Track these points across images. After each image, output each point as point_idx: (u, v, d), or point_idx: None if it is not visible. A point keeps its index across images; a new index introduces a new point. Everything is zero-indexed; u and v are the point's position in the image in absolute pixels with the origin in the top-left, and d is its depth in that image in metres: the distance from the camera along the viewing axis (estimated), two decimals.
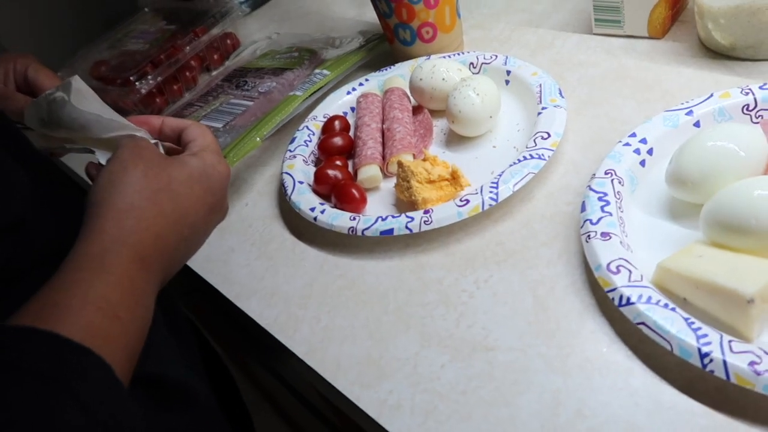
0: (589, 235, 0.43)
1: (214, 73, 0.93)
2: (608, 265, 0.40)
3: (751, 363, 0.33)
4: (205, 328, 0.71)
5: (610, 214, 0.44)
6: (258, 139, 0.65)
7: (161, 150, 0.44)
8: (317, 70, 0.76)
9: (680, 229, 0.44)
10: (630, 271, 0.40)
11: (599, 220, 0.44)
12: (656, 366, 0.37)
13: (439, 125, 0.65)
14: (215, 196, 0.42)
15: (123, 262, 0.35)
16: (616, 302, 0.39)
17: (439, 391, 0.41)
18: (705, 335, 0.35)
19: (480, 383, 0.40)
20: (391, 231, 0.51)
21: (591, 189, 0.46)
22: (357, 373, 0.44)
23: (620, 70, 0.61)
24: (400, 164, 0.55)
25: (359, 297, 0.50)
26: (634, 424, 0.35)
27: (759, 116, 0.48)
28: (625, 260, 0.41)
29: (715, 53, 0.59)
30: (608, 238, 0.42)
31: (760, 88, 0.49)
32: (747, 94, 0.49)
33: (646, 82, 0.59)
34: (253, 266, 0.57)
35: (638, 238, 0.44)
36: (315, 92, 0.72)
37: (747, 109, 0.49)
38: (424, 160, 0.55)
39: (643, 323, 0.37)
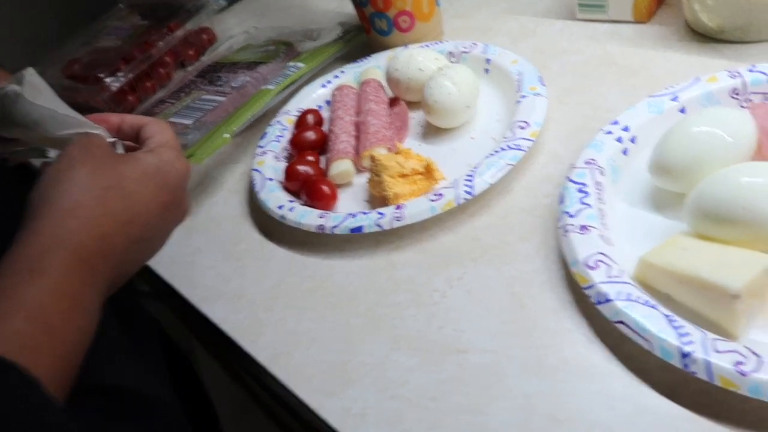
0: (566, 229, 0.41)
1: (189, 69, 0.91)
2: (585, 260, 0.38)
3: (737, 363, 0.31)
4: (181, 330, 0.69)
5: (590, 206, 0.42)
6: (227, 135, 0.63)
7: (120, 149, 0.42)
8: (291, 63, 0.74)
9: (665, 221, 0.42)
10: (609, 267, 0.38)
11: (578, 212, 0.42)
12: (636, 367, 0.35)
13: (416, 117, 0.63)
14: (172, 195, 0.40)
15: (62, 264, 0.33)
16: (594, 300, 0.37)
17: (408, 397, 0.39)
18: (687, 334, 0.33)
19: (451, 388, 0.38)
20: (360, 228, 0.49)
21: (570, 180, 0.44)
22: (322, 380, 0.42)
23: (604, 57, 0.59)
24: (372, 158, 0.53)
25: (327, 299, 0.48)
26: (611, 429, 0.33)
27: (748, 100, 0.47)
28: (604, 255, 0.39)
29: (703, 36, 0.57)
30: (587, 231, 0.40)
31: (749, 70, 0.47)
32: (735, 77, 0.47)
33: (631, 68, 0.57)
34: (220, 268, 0.55)
35: (620, 230, 0.42)
36: (288, 86, 0.70)
37: (735, 93, 0.47)
38: (398, 153, 0.53)
39: (621, 322, 0.35)
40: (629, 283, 0.36)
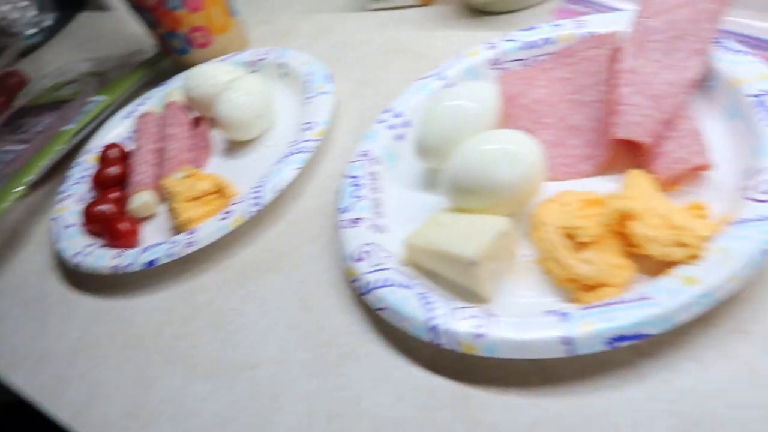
0: (340, 224, 0.43)
1: None
2: (352, 253, 0.40)
3: (475, 327, 0.33)
4: None
5: (361, 198, 0.44)
6: (21, 187, 0.62)
7: None
8: (94, 97, 0.73)
9: (438, 200, 0.45)
10: (374, 256, 0.40)
11: (350, 206, 0.44)
12: (405, 349, 0.37)
13: (220, 134, 0.63)
14: None
15: None
16: (360, 291, 0.39)
17: (203, 426, 0.39)
18: (434, 309, 0.35)
19: (243, 407, 0.39)
20: (154, 262, 0.49)
21: (345, 175, 0.46)
22: (122, 428, 0.42)
23: (392, 44, 0.62)
24: (162, 187, 0.53)
25: (129, 341, 0.48)
26: (381, 414, 0.35)
27: (507, 69, 0.50)
28: (372, 244, 0.41)
29: (477, 11, 0.60)
30: (357, 224, 0.42)
31: (504, 40, 0.50)
32: (492, 48, 0.50)
33: (416, 52, 0.60)
34: (25, 330, 0.53)
35: (398, 216, 0.44)
36: (91, 122, 0.69)
37: (494, 64, 0.50)
38: (189, 176, 0.54)
39: (382, 308, 0.37)
40: (391, 269, 0.39)
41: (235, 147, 0.61)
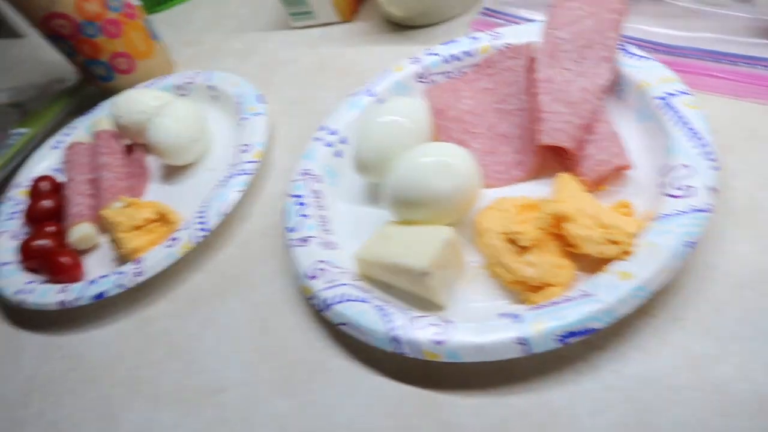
0: (289, 244, 0.43)
1: None
2: (306, 271, 0.40)
3: (434, 335, 0.34)
4: None
5: (307, 216, 0.44)
6: None
7: None
8: (15, 130, 0.68)
9: (382, 213, 0.45)
10: (328, 272, 0.40)
11: (297, 225, 0.43)
12: (369, 360, 0.37)
13: (157, 160, 0.61)
14: None
15: None
16: (318, 308, 0.38)
17: None
18: (393, 320, 0.35)
19: (213, 431, 0.38)
20: (102, 294, 0.47)
21: (288, 194, 0.46)
22: None
23: (318, 61, 0.62)
24: (101, 217, 0.51)
25: (85, 375, 0.45)
26: (357, 428, 0.35)
27: (433, 82, 0.51)
28: (324, 261, 0.40)
29: (398, 26, 0.61)
30: (306, 242, 0.42)
31: (427, 54, 0.51)
32: (416, 62, 0.51)
33: (343, 68, 0.60)
34: None
35: (345, 232, 0.44)
36: (15, 155, 0.65)
37: (420, 78, 0.51)
38: (128, 206, 0.51)
39: (343, 323, 0.37)
40: (347, 284, 0.38)
41: (172, 172, 0.59)
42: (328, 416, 0.36)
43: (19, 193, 0.62)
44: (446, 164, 0.38)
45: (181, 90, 0.64)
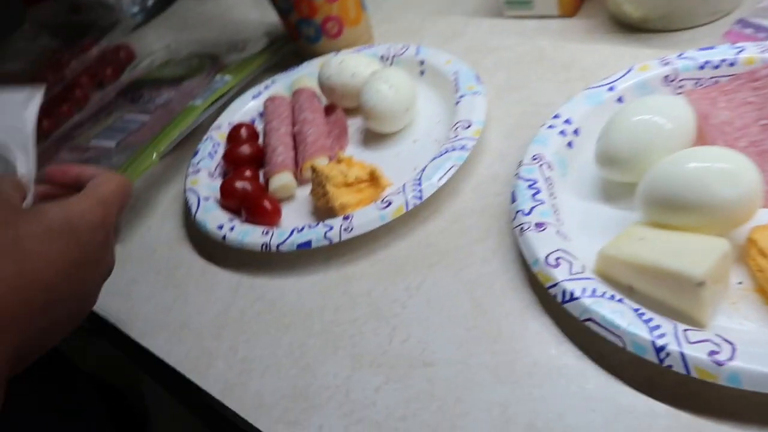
0: (522, 227, 0.39)
1: (108, 89, 0.84)
2: (546, 258, 0.37)
3: (711, 353, 0.29)
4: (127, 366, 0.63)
5: (543, 202, 0.40)
6: (155, 155, 0.58)
7: (30, 199, 0.36)
8: (218, 77, 0.69)
9: (617, 212, 0.41)
10: (571, 263, 0.36)
11: (531, 209, 0.40)
12: (610, 365, 0.33)
13: (355, 124, 0.60)
14: (83, 251, 0.34)
15: None
16: (559, 298, 0.35)
17: (376, 419, 0.36)
18: (658, 326, 0.31)
19: (421, 405, 0.36)
20: (308, 243, 0.45)
21: (519, 177, 0.43)
22: (282, 409, 0.38)
23: (535, 52, 0.58)
24: (313, 169, 0.50)
25: (280, 320, 0.44)
26: None
27: (680, 86, 0.46)
28: (564, 251, 0.37)
29: (628, 27, 0.56)
30: (543, 228, 0.39)
31: (679, 57, 0.47)
32: (666, 64, 0.46)
33: (563, 62, 0.56)
34: (159, 298, 0.50)
35: (574, 225, 0.41)
36: (217, 100, 0.66)
37: (668, 80, 0.46)
38: (340, 162, 0.50)
39: (590, 319, 0.33)
40: (592, 279, 0.35)
41: (371, 138, 0.57)
42: (558, 416, 0.32)
43: (218, 135, 0.62)
44: (730, 172, 0.34)
45: (386, 60, 0.63)
